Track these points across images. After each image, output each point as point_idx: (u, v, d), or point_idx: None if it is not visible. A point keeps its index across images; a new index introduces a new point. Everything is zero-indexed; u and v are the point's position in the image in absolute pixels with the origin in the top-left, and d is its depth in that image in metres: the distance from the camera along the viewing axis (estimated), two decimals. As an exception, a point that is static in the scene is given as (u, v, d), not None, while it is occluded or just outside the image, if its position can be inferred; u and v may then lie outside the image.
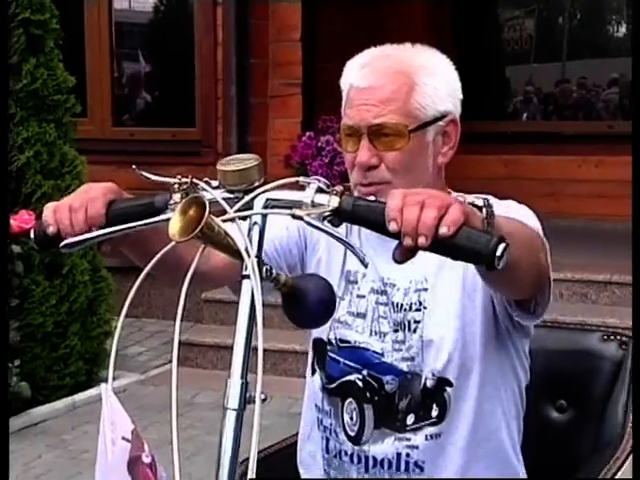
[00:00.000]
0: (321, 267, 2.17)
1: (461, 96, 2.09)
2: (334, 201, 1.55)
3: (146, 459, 1.46)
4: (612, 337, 2.36)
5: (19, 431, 5.17)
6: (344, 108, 2.06)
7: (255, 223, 1.57)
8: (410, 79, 2.00)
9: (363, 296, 2.13)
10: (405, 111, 1.99)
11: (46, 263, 5.44)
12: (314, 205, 1.56)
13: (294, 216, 1.54)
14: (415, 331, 2.06)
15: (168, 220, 1.47)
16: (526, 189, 7.45)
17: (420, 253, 1.84)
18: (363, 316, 2.12)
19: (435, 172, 2.08)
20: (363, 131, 2.00)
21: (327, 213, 1.55)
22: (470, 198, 1.60)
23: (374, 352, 2.09)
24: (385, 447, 2.07)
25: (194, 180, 1.62)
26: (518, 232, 1.73)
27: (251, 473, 1.39)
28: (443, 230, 1.47)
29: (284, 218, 1.62)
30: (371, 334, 2.10)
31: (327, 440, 2.15)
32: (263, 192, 1.59)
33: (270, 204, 1.59)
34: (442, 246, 1.48)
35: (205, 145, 7.47)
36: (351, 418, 2.10)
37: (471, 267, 1.88)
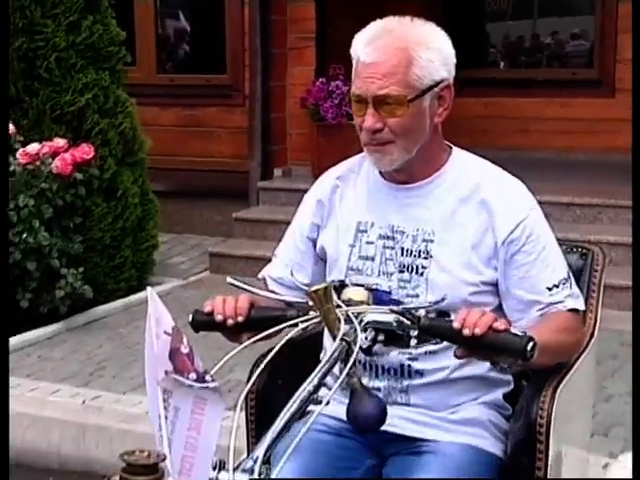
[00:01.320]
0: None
1: (455, 61, 2.05)
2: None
3: (184, 350, 1.46)
4: (574, 249, 2.33)
5: (83, 326, 5.22)
6: (353, 77, 2.04)
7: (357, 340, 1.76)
8: (408, 54, 1.98)
9: (372, 242, 2.11)
10: (404, 83, 1.97)
11: (104, 188, 5.43)
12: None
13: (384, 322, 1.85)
14: (422, 274, 2.05)
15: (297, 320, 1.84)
16: (503, 126, 7.39)
17: (428, 208, 2.07)
18: (372, 259, 2.10)
19: (432, 130, 2.07)
20: (369, 100, 1.99)
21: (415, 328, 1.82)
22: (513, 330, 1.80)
23: (383, 291, 2.07)
24: (391, 358, 2.06)
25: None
26: (554, 343, 1.94)
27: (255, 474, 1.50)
28: (496, 324, 1.75)
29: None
30: (379, 275, 2.09)
31: None
32: (372, 312, 1.84)
33: (373, 321, 1.83)
34: (490, 340, 1.76)
35: (234, 89, 7.40)
36: (366, 337, 2.08)
37: (489, 236, 2.03)
